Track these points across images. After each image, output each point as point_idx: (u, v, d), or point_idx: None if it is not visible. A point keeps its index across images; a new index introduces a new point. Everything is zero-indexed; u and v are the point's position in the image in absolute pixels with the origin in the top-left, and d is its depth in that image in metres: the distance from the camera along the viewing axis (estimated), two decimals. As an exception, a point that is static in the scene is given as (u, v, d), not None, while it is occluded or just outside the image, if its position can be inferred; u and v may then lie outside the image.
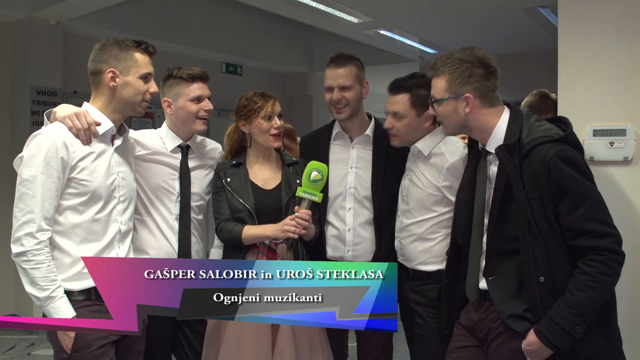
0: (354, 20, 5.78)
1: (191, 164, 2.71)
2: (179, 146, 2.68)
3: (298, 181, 2.65)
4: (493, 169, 2.15)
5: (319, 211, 2.74)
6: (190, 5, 6.70)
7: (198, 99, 2.62)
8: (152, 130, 2.75)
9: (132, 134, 2.64)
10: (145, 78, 2.29)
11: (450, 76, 2.13)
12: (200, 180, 2.73)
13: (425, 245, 2.58)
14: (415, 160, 2.65)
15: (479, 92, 2.11)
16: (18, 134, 5.48)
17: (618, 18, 2.52)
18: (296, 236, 2.49)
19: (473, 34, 6.04)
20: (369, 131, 2.82)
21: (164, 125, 2.72)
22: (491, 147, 2.13)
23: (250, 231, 2.57)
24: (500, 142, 2.08)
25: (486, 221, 2.19)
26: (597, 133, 2.53)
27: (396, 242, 2.69)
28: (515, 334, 2.04)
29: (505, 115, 2.14)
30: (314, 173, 2.47)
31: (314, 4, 5.26)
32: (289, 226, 2.46)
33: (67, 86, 5.77)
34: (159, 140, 2.68)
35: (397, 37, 6.50)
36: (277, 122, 2.64)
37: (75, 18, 5.58)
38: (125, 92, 2.26)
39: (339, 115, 2.78)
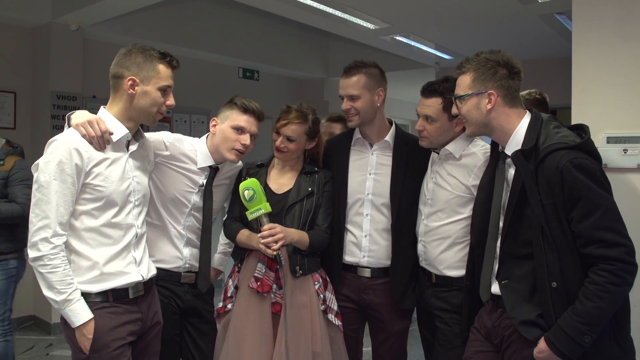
0: (370, 26, 5.79)
1: (214, 183, 2.73)
2: (209, 166, 2.69)
3: (310, 189, 2.69)
4: (511, 172, 2.16)
5: (326, 221, 2.75)
6: (208, 11, 6.75)
7: (240, 130, 2.62)
8: (192, 139, 2.75)
9: (170, 136, 2.68)
10: (164, 90, 2.30)
11: (475, 73, 2.15)
12: (219, 197, 2.78)
13: (453, 249, 2.57)
14: (443, 162, 2.64)
15: (502, 90, 2.13)
16: (39, 138, 5.55)
17: (632, 27, 2.53)
18: (271, 253, 2.49)
19: (489, 40, 6.02)
20: (389, 137, 2.82)
21: (204, 141, 2.73)
22: (510, 150, 2.14)
23: (241, 237, 2.67)
24: (519, 146, 2.09)
25: (501, 224, 2.19)
26: (610, 140, 2.53)
27: (419, 247, 2.68)
28: (527, 342, 2.05)
29: (526, 119, 2.14)
30: (246, 192, 2.51)
31: (331, 10, 5.28)
32: (262, 245, 2.50)
33: (87, 91, 5.84)
34: (193, 152, 2.69)
35: (413, 43, 6.49)
36: (278, 140, 2.70)
37: (95, 24, 5.64)
38: (143, 101, 2.27)
39: (350, 122, 2.81)
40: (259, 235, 2.52)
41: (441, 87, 2.56)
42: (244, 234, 2.67)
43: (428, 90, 2.61)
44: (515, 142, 2.13)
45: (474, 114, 2.18)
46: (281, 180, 2.75)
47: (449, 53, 6.94)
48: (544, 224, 1.98)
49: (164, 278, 2.62)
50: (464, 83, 2.19)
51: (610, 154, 2.52)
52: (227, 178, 2.82)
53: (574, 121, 2.62)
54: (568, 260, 1.97)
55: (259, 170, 2.78)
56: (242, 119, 2.63)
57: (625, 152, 2.50)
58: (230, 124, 2.62)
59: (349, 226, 2.83)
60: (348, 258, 2.83)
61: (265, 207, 2.50)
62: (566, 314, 1.95)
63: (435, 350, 2.65)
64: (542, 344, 1.99)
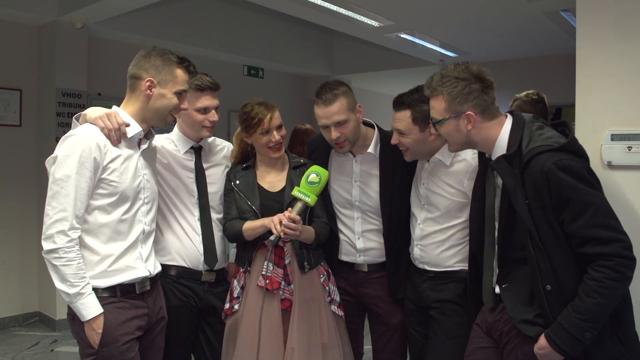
0: (375, 23, 5.79)
1: (205, 164, 2.77)
2: (192, 147, 2.74)
3: None
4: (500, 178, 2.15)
5: (327, 215, 2.76)
6: (213, 9, 6.76)
7: (204, 110, 2.66)
8: (164, 135, 2.79)
9: None
10: (179, 95, 2.35)
11: (448, 96, 2.10)
12: (219, 178, 2.79)
13: (452, 250, 2.56)
14: (433, 169, 2.60)
15: (479, 107, 2.09)
16: (44, 135, 5.58)
17: (637, 22, 2.51)
18: (274, 230, 2.43)
19: (493, 38, 6.01)
20: (372, 148, 2.74)
21: (175, 128, 2.78)
22: (496, 157, 2.11)
23: (248, 225, 2.61)
24: (504, 151, 2.07)
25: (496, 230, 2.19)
26: (615, 137, 2.51)
27: (416, 250, 2.65)
28: (527, 338, 2.05)
29: (507, 124, 2.12)
30: (312, 175, 2.50)
31: (335, 8, 5.28)
32: (275, 222, 2.44)
33: (92, 88, 5.85)
34: (171, 144, 2.74)
35: (417, 40, 6.49)
36: (275, 136, 2.65)
37: (100, 22, 5.64)
38: (158, 103, 2.32)
39: (341, 149, 2.69)
40: (283, 213, 2.46)
41: (409, 99, 2.51)
42: (249, 222, 2.62)
43: (397, 103, 2.56)
44: (500, 148, 2.10)
45: (455, 135, 2.16)
46: (270, 178, 2.74)
47: (453, 50, 6.94)
48: (531, 228, 1.97)
49: (184, 276, 2.66)
50: (439, 107, 2.14)
51: (614, 152, 2.49)
52: (223, 158, 2.85)
53: (577, 118, 2.61)
54: (561, 262, 1.96)
55: (245, 172, 2.75)
56: (203, 100, 2.66)
57: (629, 150, 2.48)
58: (193, 108, 2.65)
59: (340, 227, 2.83)
60: (344, 257, 2.84)
61: (312, 200, 2.47)
62: (566, 311, 1.94)
63: (429, 340, 2.60)
64: (542, 341, 1.98)
